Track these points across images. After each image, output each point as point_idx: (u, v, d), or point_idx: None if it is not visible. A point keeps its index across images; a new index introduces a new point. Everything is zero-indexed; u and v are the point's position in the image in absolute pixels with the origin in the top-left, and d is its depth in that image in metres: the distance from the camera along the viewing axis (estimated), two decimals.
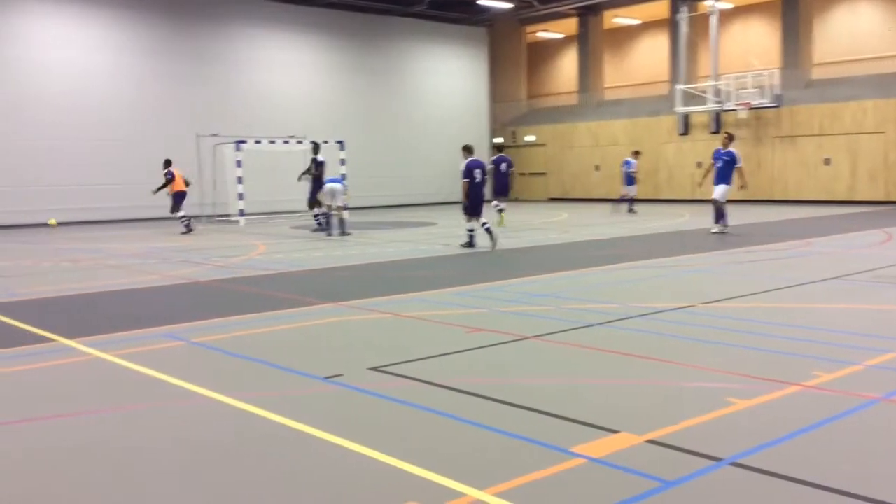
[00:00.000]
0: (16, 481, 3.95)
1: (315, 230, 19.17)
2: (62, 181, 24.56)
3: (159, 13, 26.64)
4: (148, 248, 15.91)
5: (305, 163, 26.46)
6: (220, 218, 24.30)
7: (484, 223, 14.49)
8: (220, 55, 27.94)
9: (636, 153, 25.52)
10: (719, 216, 16.38)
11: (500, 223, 19.83)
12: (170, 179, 20.01)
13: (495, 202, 20.20)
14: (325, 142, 22.84)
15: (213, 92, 27.67)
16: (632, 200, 24.70)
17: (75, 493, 3.78)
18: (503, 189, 20.26)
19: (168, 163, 20.45)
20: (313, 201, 19.40)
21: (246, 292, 9.95)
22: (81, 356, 6.55)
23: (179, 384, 5.59)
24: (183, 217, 19.90)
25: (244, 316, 8.26)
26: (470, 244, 14.61)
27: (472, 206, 14.51)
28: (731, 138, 16.56)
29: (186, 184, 20.34)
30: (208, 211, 24.74)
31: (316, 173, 19.38)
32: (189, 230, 19.71)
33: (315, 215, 19.47)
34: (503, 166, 20.22)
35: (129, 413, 5.04)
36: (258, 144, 23.88)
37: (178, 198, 20.05)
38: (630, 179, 24.51)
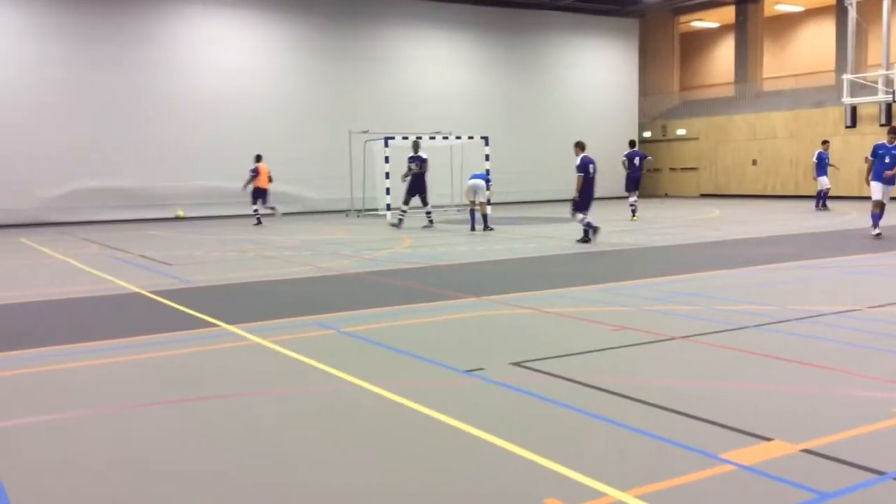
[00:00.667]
0: (181, 456, 4.24)
1: (394, 225, 19.15)
2: (230, 177, 26.11)
3: (318, 14, 27.76)
4: (303, 241, 16.64)
5: (451, 158, 26.99)
6: (369, 212, 25.04)
7: (588, 221, 14.85)
8: (373, 54, 28.78)
9: (825, 143, 24.08)
10: (880, 216, 14.86)
11: (633, 219, 20.20)
12: (254, 175, 21.44)
13: (632, 198, 20.62)
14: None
15: (366, 89, 28.56)
16: (821, 195, 23.43)
17: (231, 470, 4.02)
18: (636, 184, 20.75)
19: (258, 158, 21.75)
20: (410, 197, 19.28)
21: (392, 285, 10.22)
22: (241, 341, 6.95)
23: (329, 371, 5.82)
24: (256, 210, 21.49)
25: (390, 308, 8.49)
26: (586, 239, 14.84)
27: (585, 201, 14.99)
28: None
29: (269, 180, 21.68)
30: (358, 205, 25.58)
31: (419, 171, 19.18)
32: (259, 223, 21.22)
33: (403, 211, 19.37)
34: (636, 160, 20.73)
35: (281, 396, 5.30)
36: (405, 140, 24.41)
37: (258, 192, 21.48)
38: (821, 171, 23.26)
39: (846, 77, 28.06)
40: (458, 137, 25.97)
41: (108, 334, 7.37)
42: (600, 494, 3.55)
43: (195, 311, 8.37)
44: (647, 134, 35.97)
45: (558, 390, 5.22)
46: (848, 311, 7.73)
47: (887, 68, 27.04)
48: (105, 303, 9.23)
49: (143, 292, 9.77)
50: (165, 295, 9.48)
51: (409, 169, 19.32)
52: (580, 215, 14.96)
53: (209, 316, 8.05)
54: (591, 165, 15.09)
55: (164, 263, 12.90)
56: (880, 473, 3.71)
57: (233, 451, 4.26)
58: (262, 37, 26.99)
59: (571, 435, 4.41)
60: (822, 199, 23.54)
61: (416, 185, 19.33)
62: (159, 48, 25.26)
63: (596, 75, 34.10)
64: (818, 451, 4.02)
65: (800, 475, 3.71)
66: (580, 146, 15.38)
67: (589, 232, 14.89)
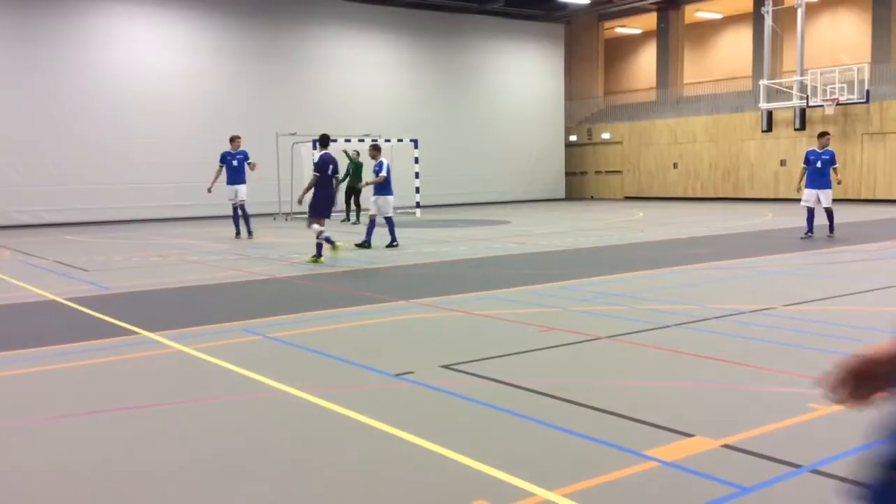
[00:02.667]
0: (100, 470, 4.10)
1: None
2: (152, 180, 25.49)
3: (244, 15, 27.32)
4: (228, 246, 16.32)
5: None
6: (299, 215, 24.72)
7: (328, 235, 12.60)
8: (301, 55, 28.47)
9: None
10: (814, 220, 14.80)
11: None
12: None
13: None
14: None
15: (294, 91, 28.22)
16: None
17: (152, 483, 3.90)
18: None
19: None
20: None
21: (320, 289, 10.11)
22: (164, 349, 6.76)
23: (255, 377, 5.71)
24: None
25: (317, 312, 8.39)
26: (319, 256, 12.76)
27: (323, 207, 12.81)
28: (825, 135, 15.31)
29: None
30: (286, 209, 25.24)
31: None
32: None
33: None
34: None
35: (206, 405, 5.17)
36: (334, 143, 24.16)
37: None
38: None
39: (762, 83, 29.07)
40: (388, 140, 25.89)
41: (21, 344, 7.08)
42: (528, 494, 3.57)
43: (114, 318, 8.11)
44: (573, 137, 36.56)
45: (488, 392, 5.24)
46: (765, 309, 7.99)
47: (801, 74, 28.11)
48: (18, 311, 8.87)
49: (59, 299, 9.42)
50: (82, 302, 9.16)
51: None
52: (317, 226, 12.59)
53: (129, 323, 7.81)
54: (331, 165, 12.81)
55: (82, 269, 12.48)
56: (797, 467, 3.83)
57: (153, 464, 4.14)
58: (185, 35, 26.38)
59: (500, 436, 4.43)
60: None
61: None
62: (76, 48, 24.44)
63: (524, 79, 34.47)
64: (738, 446, 4.13)
65: (721, 470, 3.81)
66: (324, 143, 13.26)
67: (322, 247, 12.63)
